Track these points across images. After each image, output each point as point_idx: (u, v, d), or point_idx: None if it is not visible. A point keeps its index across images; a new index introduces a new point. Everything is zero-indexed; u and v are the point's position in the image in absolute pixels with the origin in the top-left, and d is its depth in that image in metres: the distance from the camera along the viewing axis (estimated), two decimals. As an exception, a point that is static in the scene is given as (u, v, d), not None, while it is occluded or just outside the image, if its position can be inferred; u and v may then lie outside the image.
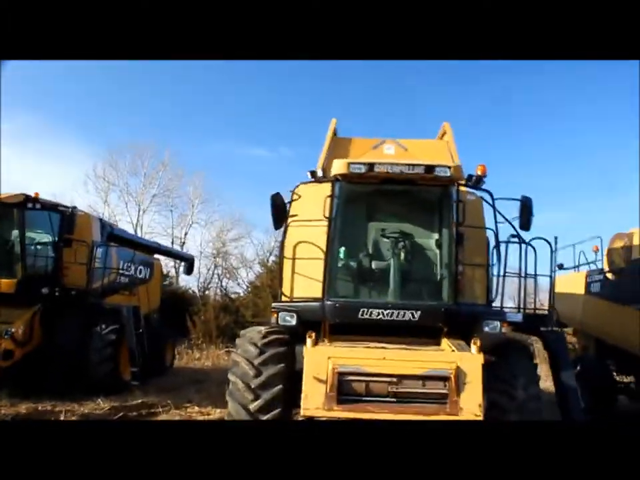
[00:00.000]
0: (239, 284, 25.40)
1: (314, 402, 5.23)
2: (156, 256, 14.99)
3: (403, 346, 5.77)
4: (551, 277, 6.67)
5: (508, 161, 46.09)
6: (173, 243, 27.39)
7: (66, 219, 9.67)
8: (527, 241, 6.75)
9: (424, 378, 5.27)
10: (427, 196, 6.34)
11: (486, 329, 6.07)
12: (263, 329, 6.66)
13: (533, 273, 6.92)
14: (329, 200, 6.21)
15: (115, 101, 42.96)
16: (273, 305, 6.59)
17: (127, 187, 28.71)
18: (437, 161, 6.33)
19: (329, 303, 6.05)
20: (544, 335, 6.97)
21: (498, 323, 6.09)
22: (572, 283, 10.75)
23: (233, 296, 22.67)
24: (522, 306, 6.76)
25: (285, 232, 6.60)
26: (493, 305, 6.74)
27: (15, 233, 9.41)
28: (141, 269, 12.66)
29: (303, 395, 5.29)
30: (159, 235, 27.42)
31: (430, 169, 5.66)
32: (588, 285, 10.26)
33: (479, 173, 6.21)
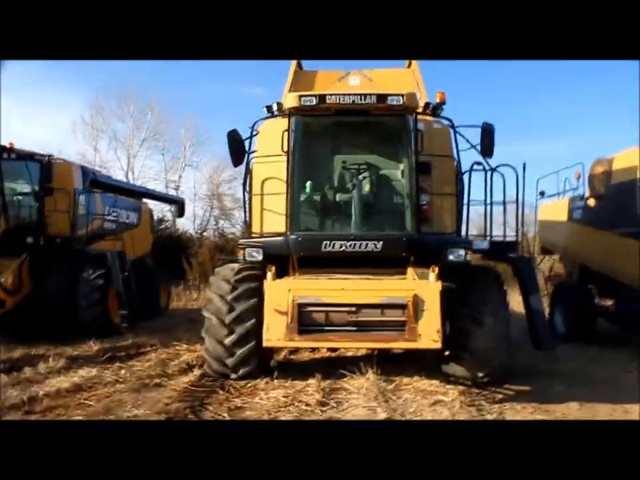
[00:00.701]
0: (233, 225, 25.55)
1: (275, 333, 5.40)
2: (146, 200, 15.06)
3: (365, 276, 5.87)
4: (517, 203, 6.64)
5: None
6: (167, 186, 27.39)
7: (44, 168, 9.65)
8: (493, 168, 6.72)
9: (382, 306, 5.40)
10: (386, 126, 6.27)
11: (450, 257, 6.13)
12: (236, 266, 6.79)
13: (502, 200, 6.92)
14: (286, 134, 6.16)
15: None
16: (240, 241, 6.68)
17: (114, 133, 28.20)
18: (400, 89, 6.22)
19: (292, 236, 6.13)
20: (512, 261, 7.03)
21: (462, 251, 6.14)
22: (555, 210, 10.73)
23: (230, 237, 22.88)
24: (488, 234, 6.76)
25: (247, 169, 6.59)
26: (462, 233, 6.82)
27: (-6, 183, 9.43)
28: (128, 214, 12.76)
29: (264, 327, 5.46)
30: (151, 180, 27.39)
31: (382, 97, 5.57)
32: (570, 212, 10.24)
33: (438, 99, 6.10)
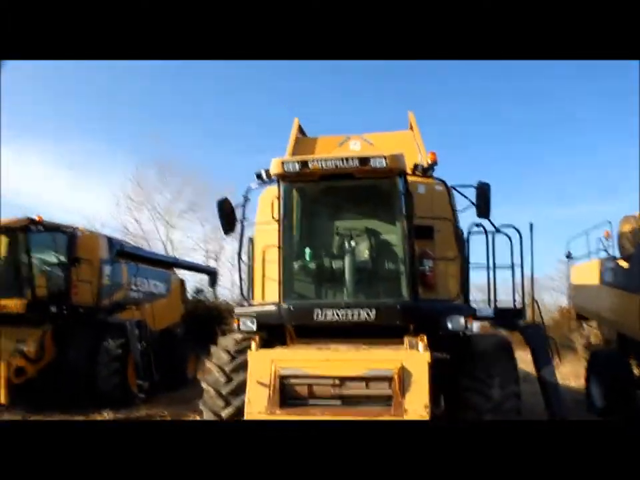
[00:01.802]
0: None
1: (257, 406, 5.17)
2: (180, 271, 15.39)
3: (357, 346, 5.63)
4: (522, 267, 6.31)
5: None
6: (206, 257, 27.82)
7: (69, 239, 10.07)
8: (495, 229, 6.48)
9: (367, 379, 5.10)
10: (376, 189, 6.15)
11: (450, 325, 5.82)
12: (239, 336, 6.68)
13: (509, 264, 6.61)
14: (276, 202, 6.16)
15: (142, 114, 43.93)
16: (235, 310, 6.60)
17: (154, 205, 28.65)
18: (398, 152, 6.18)
19: (284, 306, 5.99)
20: (521, 329, 6.60)
21: (462, 319, 5.82)
22: (586, 274, 10.17)
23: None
24: (492, 300, 6.42)
25: (241, 237, 6.56)
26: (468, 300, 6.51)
27: (23, 255, 9.88)
28: (155, 284, 13.02)
29: (246, 400, 5.25)
30: (190, 250, 27.76)
31: (364, 160, 5.51)
32: (602, 274, 9.64)
33: (429, 160, 5.99)
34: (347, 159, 5.55)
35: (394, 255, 6.10)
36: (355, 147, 7.46)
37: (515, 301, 6.75)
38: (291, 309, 5.97)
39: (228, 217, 6.19)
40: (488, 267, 6.38)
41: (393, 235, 6.16)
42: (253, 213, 6.88)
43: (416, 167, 5.82)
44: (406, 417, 4.89)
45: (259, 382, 5.23)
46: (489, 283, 6.40)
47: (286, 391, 5.17)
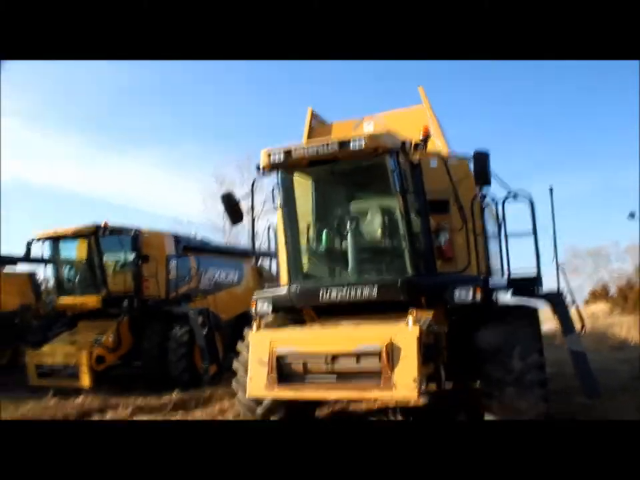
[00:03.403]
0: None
1: (257, 384, 5.50)
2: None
3: (357, 323, 5.74)
4: (535, 234, 5.99)
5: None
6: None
7: (134, 240, 11.02)
8: (511, 195, 6.23)
9: (357, 355, 5.21)
10: (370, 170, 6.15)
11: (456, 297, 5.75)
12: (271, 318, 7.02)
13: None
14: (276, 190, 6.36)
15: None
16: (254, 294, 6.92)
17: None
18: (412, 129, 6.13)
19: (292, 288, 6.24)
20: (546, 298, 6.28)
21: (467, 290, 5.72)
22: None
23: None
24: (506, 269, 6.17)
25: (252, 228, 6.78)
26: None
27: (96, 257, 10.98)
28: (227, 274, 13.78)
29: (248, 378, 5.59)
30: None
31: (343, 144, 5.55)
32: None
33: (422, 134, 5.89)
34: (327, 144, 5.64)
35: (396, 231, 6.10)
36: (369, 128, 7.46)
37: (538, 269, 6.41)
38: (298, 290, 6.20)
39: (233, 209, 6.50)
40: (500, 236, 6.13)
41: (394, 212, 6.15)
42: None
43: (403, 144, 5.74)
44: (394, 392, 4.97)
45: (259, 361, 5.54)
46: (501, 252, 6.15)
47: (283, 369, 5.43)
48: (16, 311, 14.16)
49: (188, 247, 12.74)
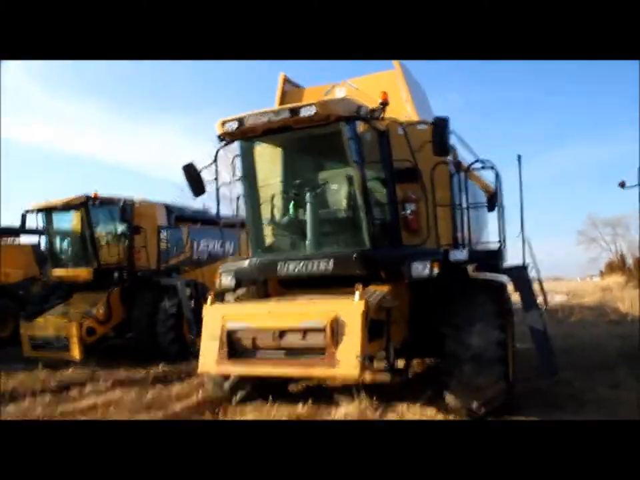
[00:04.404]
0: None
1: (208, 359, 5.47)
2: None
3: (311, 297, 5.63)
4: (500, 206, 5.71)
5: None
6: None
7: (123, 210, 10.94)
8: (478, 164, 5.95)
9: (303, 330, 5.10)
10: (329, 138, 5.90)
11: (414, 271, 5.57)
12: (240, 291, 6.94)
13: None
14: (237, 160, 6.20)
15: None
16: (220, 268, 6.84)
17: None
18: (382, 94, 5.85)
19: (252, 261, 6.15)
20: (503, 271, 6.04)
21: (427, 264, 5.52)
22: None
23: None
24: (465, 242, 5.92)
25: (217, 197, 6.61)
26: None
27: (86, 229, 10.99)
28: (223, 245, 13.72)
29: (200, 353, 5.54)
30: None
31: (294, 111, 5.34)
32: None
33: (380, 100, 5.62)
34: (278, 112, 5.44)
35: (352, 204, 5.89)
36: (340, 94, 7.17)
37: (501, 243, 6.14)
38: (258, 263, 6.09)
39: (195, 180, 6.35)
40: (460, 207, 5.87)
41: (353, 182, 5.93)
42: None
43: (358, 109, 5.48)
44: (337, 369, 4.86)
45: (210, 336, 5.48)
46: (462, 224, 5.90)
47: (234, 344, 5.37)
48: (20, 283, 14.53)
49: (181, 217, 12.68)
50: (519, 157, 5.78)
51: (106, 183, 55.96)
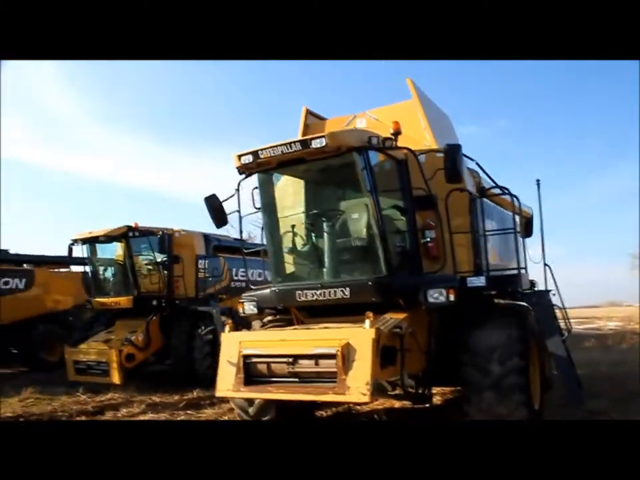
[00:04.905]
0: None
1: (225, 384, 5.59)
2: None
3: (327, 324, 5.70)
4: (515, 230, 5.63)
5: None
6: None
7: (162, 240, 11.38)
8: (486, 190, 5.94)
9: (315, 357, 5.17)
10: (343, 169, 6.02)
11: (430, 299, 5.57)
12: (267, 318, 7.11)
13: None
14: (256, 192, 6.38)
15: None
16: (243, 295, 7.00)
17: None
18: (403, 124, 5.97)
19: (272, 289, 6.29)
20: (521, 297, 5.92)
21: (442, 291, 5.52)
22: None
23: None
24: (484, 268, 5.85)
25: (240, 228, 6.83)
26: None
27: (127, 258, 11.48)
28: (260, 273, 13.95)
29: (217, 378, 5.68)
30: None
31: (305, 143, 5.48)
32: None
33: (392, 129, 5.72)
34: (290, 144, 5.58)
35: (368, 232, 5.98)
36: (361, 125, 7.32)
37: (520, 268, 6.03)
38: (277, 291, 6.22)
39: (217, 210, 6.56)
40: (477, 233, 5.83)
41: (368, 211, 6.01)
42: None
43: (370, 140, 5.59)
44: (347, 396, 4.89)
45: (228, 361, 5.62)
46: (478, 250, 5.85)
47: (250, 370, 5.48)
48: (69, 310, 15.23)
49: (219, 246, 13.04)
50: (538, 182, 5.71)
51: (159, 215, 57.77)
